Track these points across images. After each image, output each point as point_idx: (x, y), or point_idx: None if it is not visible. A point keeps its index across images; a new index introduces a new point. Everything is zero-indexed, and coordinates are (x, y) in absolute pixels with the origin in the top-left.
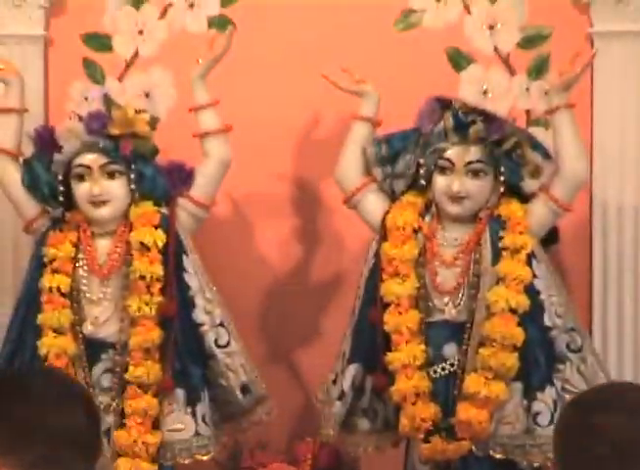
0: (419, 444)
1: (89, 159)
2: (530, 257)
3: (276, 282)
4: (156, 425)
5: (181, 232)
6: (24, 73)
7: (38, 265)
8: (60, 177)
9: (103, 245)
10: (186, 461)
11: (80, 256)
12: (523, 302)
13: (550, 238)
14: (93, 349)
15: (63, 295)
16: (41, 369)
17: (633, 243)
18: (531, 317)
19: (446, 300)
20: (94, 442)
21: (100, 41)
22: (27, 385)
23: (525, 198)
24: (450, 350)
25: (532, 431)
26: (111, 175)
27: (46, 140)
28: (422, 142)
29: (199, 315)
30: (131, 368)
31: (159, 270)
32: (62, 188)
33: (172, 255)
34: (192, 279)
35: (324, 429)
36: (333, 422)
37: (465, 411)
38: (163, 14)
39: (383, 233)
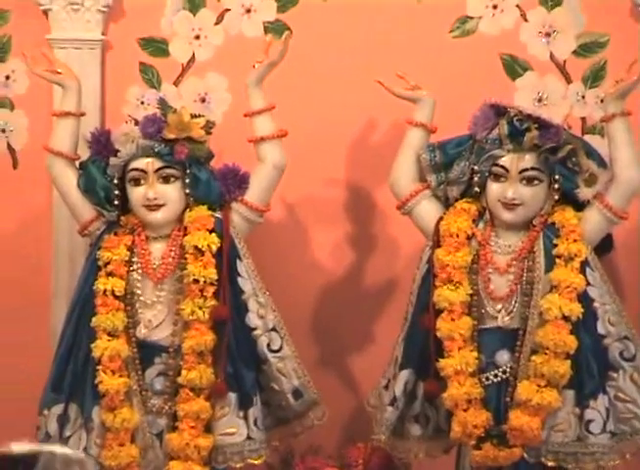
0: (470, 450)
1: (145, 162)
2: (584, 264)
3: (329, 287)
4: (208, 428)
5: (235, 236)
6: (82, 77)
7: (93, 268)
8: (115, 181)
9: (157, 248)
10: (238, 465)
11: (135, 259)
12: (576, 309)
13: (604, 246)
14: (146, 352)
15: (117, 298)
16: None
17: None
18: (585, 325)
19: (499, 307)
20: None
21: (157, 46)
22: None
23: (579, 206)
24: (502, 357)
25: (585, 439)
26: (166, 179)
27: (102, 144)
28: (476, 149)
29: (252, 320)
30: (184, 372)
31: (212, 274)
32: (117, 192)
33: (226, 259)
34: (245, 283)
35: (375, 434)
36: (384, 427)
37: (517, 418)
38: (220, 19)
39: (436, 239)
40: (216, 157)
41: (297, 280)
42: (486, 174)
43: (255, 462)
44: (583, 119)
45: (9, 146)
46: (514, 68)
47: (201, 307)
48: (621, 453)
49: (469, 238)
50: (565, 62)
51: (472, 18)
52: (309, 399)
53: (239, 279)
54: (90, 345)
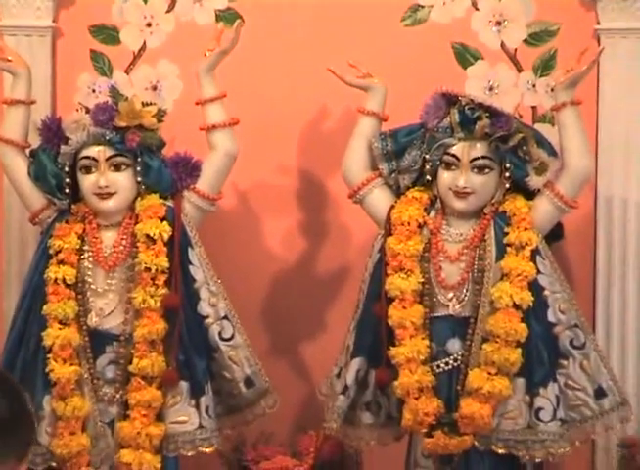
0: (421, 438)
1: (96, 150)
2: (535, 253)
3: (281, 275)
4: (159, 417)
5: (187, 225)
6: (32, 65)
7: (44, 256)
8: (66, 169)
9: (108, 237)
10: (189, 453)
11: (86, 247)
12: (526, 298)
13: (555, 234)
14: (98, 340)
15: (68, 286)
16: None
17: (637, 239)
18: (535, 313)
19: (450, 295)
20: (19, 430)
21: (108, 33)
22: None
23: (530, 194)
24: (454, 345)
25: (535, 426)
26: (117, 168)
27: (53, 131)
28: (427, 137)
29: (203, 308)
30: (135, 360)
31: (164, 263)
32: (68, 180)
33: (178, 247)
34: (197, 272)
35: (327, 422)
36: (336, 415)
37: (468, 406)
38: (171, 6)
39: (388, 228)
40: (168, 145)
41: (248, 268)
42: (438, 163)
43: (207, 450)
44: (534, 108)
45: None
46: (465, 56)
47: (152, 296)
48: (571, 441)
49: (420, 226)
50: (515, 50)
51: (423, 6)
52: (261, 388)
53: (190, 267)
54: (41, 333)
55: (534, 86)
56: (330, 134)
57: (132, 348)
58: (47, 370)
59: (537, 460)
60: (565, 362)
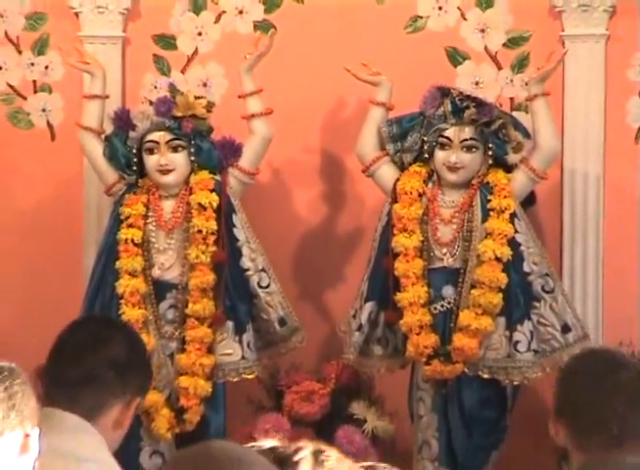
0: (422, 366)
1: (157, 135)
2: (513, 216)
3: (307, 236)
4: (210, 350)
5: (231, 195)
6: (107, 67)
7: (116, 222)
8: (134, 150)
9: (168, 205)
10: (234, 379)
11: (150, 214)
12: (506, 252)
13: (529, 201)
14: (160, 289)
15: (136, 245)
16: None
17: (595, 205)
18: (513, 265)
19: (445, 250)
20: (134, 367)
21: (167, 41)
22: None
23: (508, 168)
24: (448, 291)
25: (513, 356)
26: (175, 149)
27: (123, 120)
28: (426, 123)
29: (245, 262)
30: (190, 305)
31: (213, 226)
32: (135, 159)
33: (224, 213)
34: (239, 233)
35: (345, 354)
36: (353, 348)
37: (459, 340)
38: (218, 19)
39: (394, 196)
40: (216, 130)
41: (280, 230)
42: (434, 144)
43: (249, 377)
44: (512, 99)
45: (48, 123)
46: (455, 57)
47: (203, 252)
48: (542, 367)
49: (420, 195)
50: (496, 53)
51: (422, 17)
52: (292, 326)
53: (234, 230)
54: (115, 283)
55: (512, 81)
56: (346, 121)
57: (188, 294)
58: (119, 313)
59: (515, 383)
60: (537, 304)
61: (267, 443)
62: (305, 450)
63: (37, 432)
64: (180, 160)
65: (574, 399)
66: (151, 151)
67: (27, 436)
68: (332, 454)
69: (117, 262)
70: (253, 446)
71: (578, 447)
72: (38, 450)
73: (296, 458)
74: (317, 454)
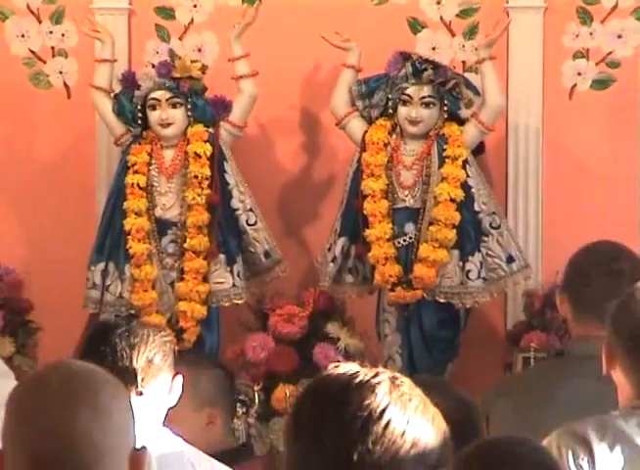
0: (387, 292)
1: (159, 94)
2: (465, 163)
3: (288, 180)
4: (205, 279)
5: (223, 145)
6: (115, 35)
7: (124, 168)
8: (139, 107)
9: (168, 154)
10: (226, 304)
11: (153, 161)
12: (459, 194)
13: (479, 149)
14: (162, 226)
15: (141, 188)
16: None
17: (535, 154)
18: (465, 204)
19: (407, 193)
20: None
21: (167, 12)
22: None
23: (461, 122)
24: (409, 227)
25: (465, 283)
26: (174, 105)
27: (129, 81)
28: (390, 83)
29: (235, 203)
30: (188, 240)
31: (207, 171)
32: (140, 114)
33: (216, 161)
34: (230, 178)
35: (322, 282)
36: (328, 277)
37: (419, 270)
38: None
39: (362, 146)
40: (209, 90)
41: (266, 175)
42: (397, 100)
43: (238, 302)
44: (464, 62)
45: (64, 83)
46: (415, 26)
47: (199, 195)
48: (490, 293)
49: (385, 145)
50: (450, 22)
51: None
52: (276, 259)
53: (225, 175)
54: (123, 221)
55: (464, 47)
56: (322, 81)
57: (186, 231)
58: (127, 247)
59: (467, 306)
60: (486, 238)
61: (349, 366)
62: (384, 375)
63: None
64: (178, 115)
65: (578, 279)
66: (153, 107)
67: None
68: (405, 381)
69: (125, 203)
70: (338, 367)
71: (576, 321)
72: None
73: (375, 381)
74: (394, 379)
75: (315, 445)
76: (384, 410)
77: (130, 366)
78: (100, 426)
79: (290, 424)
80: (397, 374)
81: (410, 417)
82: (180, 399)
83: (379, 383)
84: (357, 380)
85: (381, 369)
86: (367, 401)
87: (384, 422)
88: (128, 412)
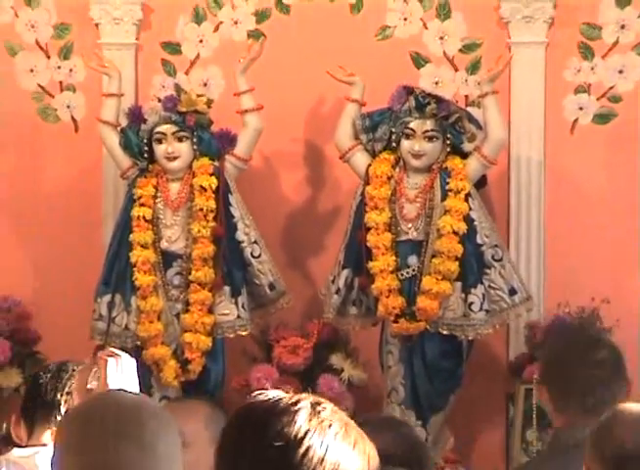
0: (390, 324)
1: (165, 128)
2: (467, 196)
3: (293, 213)
4: (210, 311)
5: (228, 178)
6: (122, 70)
7: (130, 201)
8: (145, 141)
9: (174, 187)
10: (231, 335)
11: (159, 194)
12: (462, 226)
13: (481, 183)
14: (167, 258)
15: (147, 221)
16: None
17: (538, 187)
18: (468, 237)
19: (410, 225)
20: None
21: (173, 47)
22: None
23: (464, 155)
24: (412, 260)
25: (468, 315)
26: (180, 139)
27: (136, 115)
28: (393, 117)
29: (240, 235)
30: (193, 272)
31: (212, 204)
32: (146, 148)
33: (222, 194)
34: (235, 210)
35: (326, 313)
36: (332, 309)
37: (422, 302)
38: (217, 28)
39: (366, 179)
40: (215, 123)
41: (270, 208)
42: (400, 134)
43: (243, 333)
44: (466, 97)
45: (72, 117)
46: (419, 61)
47: (204, 227)
48: (493, 325)
49: (389, 178)
50: (453, 57)
51: (390, 26)
52: (280, 290)
53: (230, 208)
54: (129, 254)
55: (466, 81)
56: (326, 115)
57: (191, 263)
58: (133, 279)
59: (470, 338)
60: (488, 271)
61: (274, 393)
62: (305, 401)
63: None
64: (184, 148)
65: (556, 370)
66: (159, 141)
67: None
68: (327, 406)
69: (131, 236)
70: (262, 395)
71: (558, 411)
72: None
73: (295, 408)
74: (315, 405)
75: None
76: (302, 438)
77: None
78: (145, 460)
79: (216, 447)
80: (321, 399)
81: (329, 443)
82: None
83: (299, 410)
84: (278, 407)
85: (304, 395)
86: (286, 429)
87: (302, 450)
88: (175, 445)
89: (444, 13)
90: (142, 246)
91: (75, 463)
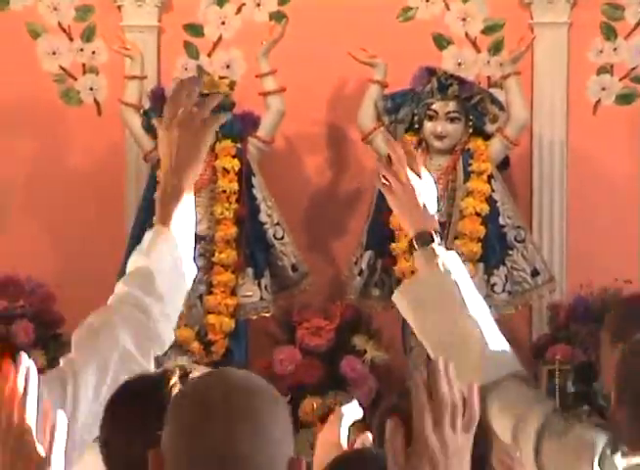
0: None
1: None
2: (490, 177)
3: (316, 194)
4: (233, 292)
5: (250, 160)
6: (144, 52)
7: (153, 183)
8: None
9: None
10: (254, 317)
11: None
12: (485, 208)
13: (504, 164)
14: None
15: None
16: None
17: (560, 168)
18: (490, 218)
19: None
20: None
21: (195, 29)
22: None
23: (486, 136)
24: None
25: (491, 296)
26: None
27: (159, 97)
28: (416, 98)
29: (262, 217)
30: (217, 253)
31: (235, 186)
32: None
33: (244, 176)
34: (258, 192)
35: (348, 295)
36: (354, 290)
37: None
38: (239, 10)
39: (388, 159)
40: (237, 105)
41: (293, 190)
42: (423, 116)
43: (266, 315)
44: (489, 78)
45: (95, 99)
46: (441, 42)
47: (227, 209)
48: (515, 305)
49: None
50: (475, 38)
51: (412, 8)
52: (303, 272)
53: (253, 190)
54: None
55: (489, 62)
56: (348, 97)
57: (214, 245)
58: None
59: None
60: (511, 252)
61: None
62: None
63: None
64: None
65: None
66: None
67: None
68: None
69: (154, 218)
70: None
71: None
72: None
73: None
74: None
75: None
76: None
77: None
78: (260, 443)
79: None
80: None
81: None
82: None
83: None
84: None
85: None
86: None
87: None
88: (286, 422)
89: None
90: None
91: (188, 447)
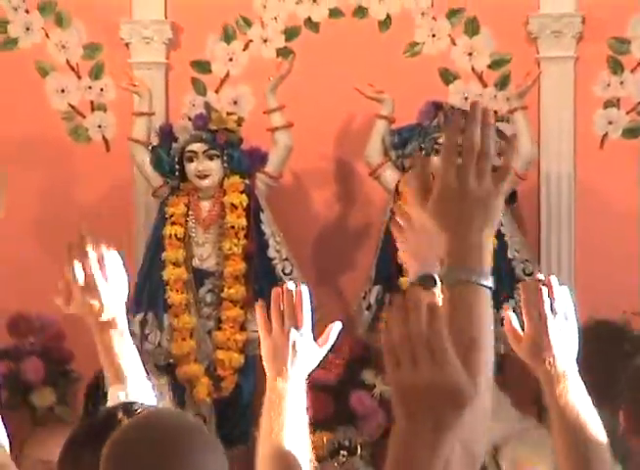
0: None
1: (196, 146)
2: None
3: (323, 229)
4: (242, 328)
5: (259, 196)
6: (152, 89)
7: (162, 219)
8: (176, 159)
9: (205, 205)
10: None
11: (190, 212)
12: (493, 241)
13: (512, 198)
14: (199, 276)
15: (178, 239)
16: None
17: (568, 202)
18: (499, 252)
19: None
20: None
21: (203, 66)
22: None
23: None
24: None
25: (500, 330)
26: (210, 157)
27: (167, 134)
28: (422, 133)
29: (271, 252)
30: (226, 289)
31: (243, 222)
32: (177, 166)
33: (253, 211)
34: (266, 228)
35: (357, 329)
36: (363, 325)
37: None
38: (246, 46)
39: (396, 195)
40: (245, 141)
41: (301, 225)
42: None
43: None
44: (495, 112)
45: (103, 137)
46: (447, 77)
47: (236, 245)
48: None
49: None
50: (482, 72)
51: (418, 43)
52: (312, 306)
53: (261, 225)
54: (161, 272)
55: (495, 97)
56: (355, 132)
57: (223, 281)
58: (165, 297)
59: (501, 352)
60: (519, 285)
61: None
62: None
63: None
64: (215, 166)
65: (635, 392)
66: (190, 159)
67: None
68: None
69: (163, 254)
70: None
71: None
72: None
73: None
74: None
75: None
76: None
77: None
78: None
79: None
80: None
81: None
82: None
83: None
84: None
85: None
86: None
87: None
88: (222, 463)
89: (472, 29)
90: (174, 264)
91: None
